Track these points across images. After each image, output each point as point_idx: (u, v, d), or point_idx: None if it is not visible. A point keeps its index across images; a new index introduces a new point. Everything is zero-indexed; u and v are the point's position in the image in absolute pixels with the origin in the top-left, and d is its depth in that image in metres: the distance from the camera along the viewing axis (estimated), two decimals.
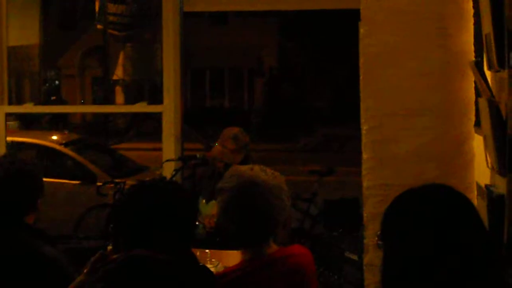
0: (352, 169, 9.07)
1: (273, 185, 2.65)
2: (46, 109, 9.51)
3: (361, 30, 3.38)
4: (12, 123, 7.60)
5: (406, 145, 3.24)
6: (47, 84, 25.47)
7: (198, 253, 3.10)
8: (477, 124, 3.23)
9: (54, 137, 10.66)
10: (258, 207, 2.61)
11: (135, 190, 2.55)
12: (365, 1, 3.35)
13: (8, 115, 5.83)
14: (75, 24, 24.55)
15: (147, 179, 2.69)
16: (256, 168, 2.70)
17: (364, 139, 3.38)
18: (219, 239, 3.99)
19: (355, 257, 4.45)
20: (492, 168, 2.87)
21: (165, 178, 4.60)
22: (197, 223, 3.88)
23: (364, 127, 3.37)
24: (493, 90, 2.91)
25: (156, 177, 5.97)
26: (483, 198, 3.06)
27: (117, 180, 7.53)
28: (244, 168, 2.72)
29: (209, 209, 4.59)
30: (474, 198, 3.22)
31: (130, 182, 7.14)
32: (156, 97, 6.70)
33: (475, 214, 1.84)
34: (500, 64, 2.74)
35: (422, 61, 3.25)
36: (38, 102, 18.74)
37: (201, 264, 2.55)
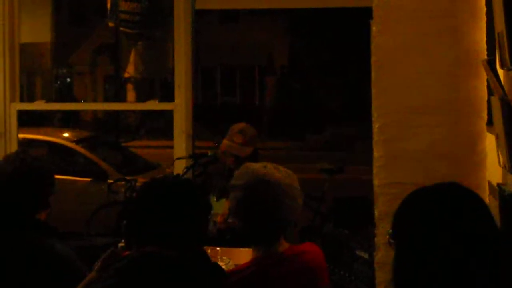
0: (362, 168, 9.05)
1: (286, 184, 2.64)
2: (57, 106, 9.50)
3: (373, 28, 3.38)
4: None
5: (418, 143, 3.23)
6: (58, 82, 25.54)
7: (209, 251, 3.10)
8: (489, 122, 3.21)
9: (66, 135, 10.69)
10: (271, 206, 2.60)
11: (147, 187, 2.55)
12: None
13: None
14: (86, 21, 24.60)
15: (159, 176, 2.70)
16: (270, 166, 2.68)
17: (375, 137, 3.37)
18: (230, 237, 3.99)
19: (366, 255, 4.43)
20: (504, 167, 2.86)
21: (178, 175, 4.61)
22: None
23: (375, 125, 3.36)
24: (506, 88, 2.90)
25: (168, 174, 5.98)
26: (495, 197, 3.04)
27: (128, 178, 7.57)
28: (257, 165, 2.70)
29: (219, 207, 4.59)
30: (486, 197, 3.20)
31: (141, 179, 7.17)
32: (167, 95, 6.72)
33: (487, 212, 1.83)
34: None
35: (434, 59, 3.24)
36: (49, 100, 18.78)
37: (212, 261, 2.55)
